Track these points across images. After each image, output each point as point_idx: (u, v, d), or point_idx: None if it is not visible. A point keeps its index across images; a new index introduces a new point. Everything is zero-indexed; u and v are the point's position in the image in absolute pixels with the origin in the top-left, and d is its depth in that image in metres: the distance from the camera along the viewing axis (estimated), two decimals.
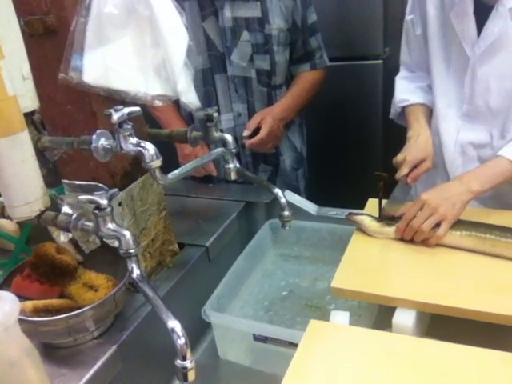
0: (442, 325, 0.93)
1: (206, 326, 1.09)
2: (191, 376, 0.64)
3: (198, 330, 1.12)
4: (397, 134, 2.23)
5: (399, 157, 1.17)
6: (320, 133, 1.96)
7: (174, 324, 0.65)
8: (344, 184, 2.17)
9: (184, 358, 0.64)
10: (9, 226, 1.17)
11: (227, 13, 1.45)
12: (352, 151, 2.21)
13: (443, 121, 1.28)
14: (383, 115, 2.15)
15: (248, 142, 1.49)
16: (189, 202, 1.45)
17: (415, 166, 1.17)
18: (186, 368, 0.64)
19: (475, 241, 1.01)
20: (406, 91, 1.38)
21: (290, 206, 1.11)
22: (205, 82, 1.52)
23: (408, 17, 1.33)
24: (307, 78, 1.64)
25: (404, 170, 1.15)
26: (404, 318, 0.88)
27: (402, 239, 1.07)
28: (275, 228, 1.37)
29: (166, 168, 0.86)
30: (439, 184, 1.32)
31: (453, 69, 1.22)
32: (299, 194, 1.45)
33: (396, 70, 2.09)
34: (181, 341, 0.64)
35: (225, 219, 1.29)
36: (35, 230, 1.09)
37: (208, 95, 1.53)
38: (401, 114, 1.40)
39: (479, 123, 1.21)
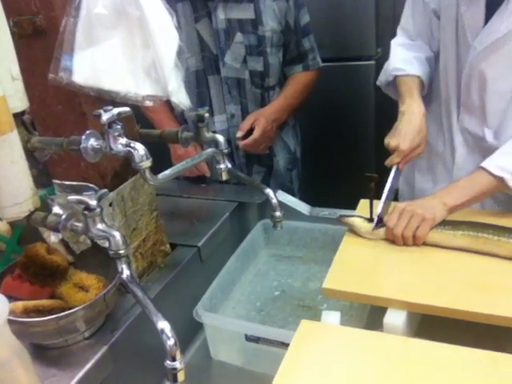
0: (433, 324, 0.93)
1: (197, 327, 1.09)
2: (181, 377, 0.64)
3: (190, 330, 1.12)
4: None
5: (392, 142, 1.11)
6: (313, 133, 1.96)
7: (163, 325, 0.65)
8: (338, 184, 2.18)
9: (173, 359, 0.64)
10: (0, 226, 1.17)
11: (220, 14, 1.45)
12: (345, 151, 2.21)
13: (448, 102, 1.24)
14: (376, 115, 2.16)
15: (241, 143, 1.50)
16: (181, 202, 1.45)
17: None
18: (175, 369, 0.63)
19: (468, 239, 1.01)
20: (402, 60, 1.29)
21: (283, 206, 1.11)
22: (198, 84, 1.52)
23: None
24: (300, 79, 1.64)
25: (396, 160, 1.11)
26: (395, 318, 0.88)
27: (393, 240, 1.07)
28: (268, 228, 1.37)
29: (159, 168, 0.87)
30: (440, 172, 1.30)
31: (458, 52, 1.18)
32: (293, 195, 1.45)
33: None
34: (170, 342, 0.64)
35: (217, 219, 1.29)
36: (27, 231, 1.08)
37: (201, 97, 1.54)
38: (390, 83, 1.33)
39: (475, 117, 1.19)
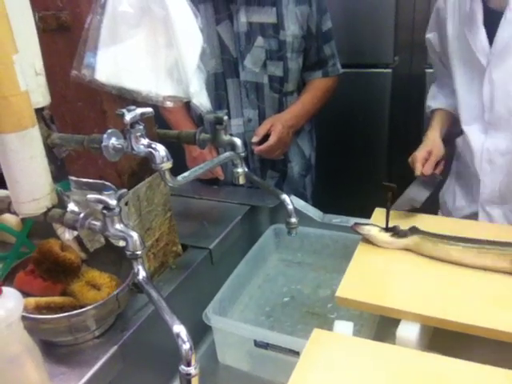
0: (445, 338, 0.92)
1: (206, 329, 1.09)
2: (195, 382, 0.64)
3: (198, 332, 1.11)
4: (402, 143, 2.23)
5: (410, 158, 1.30)
6: (328, 139, 1.95)
7: (179, 329, 0.64)
8: (351, 191, 2.17)
9: (188, 364, 0.63)
10: (10, 219, 1.17)
11: (242, 17, 1.44)
12: (358, 159, 2.21)
13: (469, 132, 1.30)
14: (390, 124, 2.15)
15: (257, 149, 1.48)
16: (193, 203, 1.44)
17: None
18: (189, 374, 0.63)
19: (493, 258, 0.97)
20: (430, 97, 1.47)
21: (295, 211, 1.10)
22: (217, 86, 1.51)
23: (428, 35, 1.40)
24: (319, 85, 1.63)
25: (417, 166, 1.26)
26: (408, 330, 0.87)
27: (409, 251, 1.06)
28: (279, 233, 1.37)
29: (172, 169, 0.86)
30: (475, 192, 1.34)
31: (475, 82, 1.25)
32: (306, 201, 1.44)
33: (404, 79, 2.11)
34: (186, 346, 0.63)
35: (229, 222, 1.29)
36: (38, 225, 1.08)
37: (219, 99, 1.53)
38: None
39: (503, 130, 1.23)
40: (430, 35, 1.40)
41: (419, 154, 1.28)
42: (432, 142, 1.33)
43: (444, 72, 1.40)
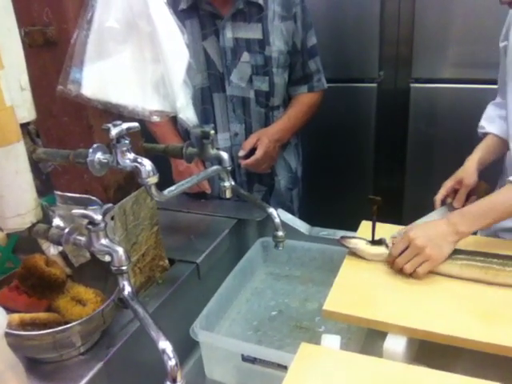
0: (432, 350, 0.92)
1: (193, 344, 1.07)
2: None
3: (185, 347, 1.10)
4: (388, 157, 2.25)
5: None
6: (314, 153, 1.97)
7: (165, 345, 0.64)
8: (337, 204, 2.18)
9: (174, 381, 0.62)
10: None
11: (228, 33, 1.46)
12: (345, 172, 2.22)
13: None
14: (375, 137, 2.17)
15: (243, 163, 1.49)
16: (180, 216, 1.44)
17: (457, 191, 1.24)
18: None
19: (476, 271, 0.99)
20: (486, 118, 1.37)
21: (282, 224, 1.11)
22: (203, 101, 1.52)
23: (500, 44, 1.30)
24: (304, 99, 1.65)
25: (441, 192, 1.23)
26: (395, 343, 0.87)
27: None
28: (266, 246, 1.36)
29: (158, 183, 0.86)
30: None
31: None
32: (293, 214, 1.44)
33: (389, 94, 2.12)
34: (171, 362, 0.63)
35: (216, 236, 1.29)
36: (24, 240, 1.07)
37: (206, 114, 1.54)
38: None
39: None
40: (502, 44, 1.28)
41: (447, 183, 1.25)
42: (464, 170, 1.26)
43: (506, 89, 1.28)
